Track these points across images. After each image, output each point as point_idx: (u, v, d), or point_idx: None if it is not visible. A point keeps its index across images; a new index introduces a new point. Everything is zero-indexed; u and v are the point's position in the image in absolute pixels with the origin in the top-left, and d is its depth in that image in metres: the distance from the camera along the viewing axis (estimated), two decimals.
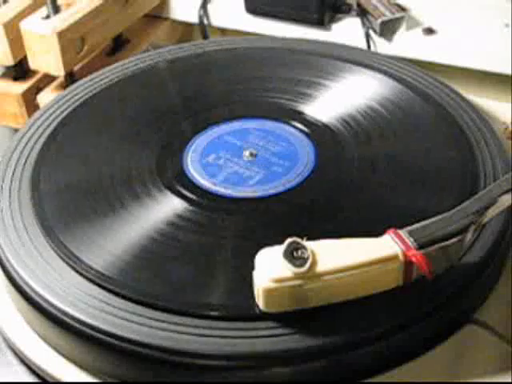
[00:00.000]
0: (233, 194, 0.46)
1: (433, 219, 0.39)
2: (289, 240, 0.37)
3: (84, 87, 0.57)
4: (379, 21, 0.68)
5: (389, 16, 0.69)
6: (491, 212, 0.39)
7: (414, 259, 0.37)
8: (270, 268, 0.36)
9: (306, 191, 0.46)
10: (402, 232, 0.38)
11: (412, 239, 0.37)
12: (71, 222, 0.45)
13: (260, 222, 0.44)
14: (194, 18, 0.76)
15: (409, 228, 0.38)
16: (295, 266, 0.36)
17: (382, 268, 0.37)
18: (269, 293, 0.36)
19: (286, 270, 0.36)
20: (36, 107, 0.65)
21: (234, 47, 0.61)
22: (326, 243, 0.38)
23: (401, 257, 0.37)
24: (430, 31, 0.69)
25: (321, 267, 0.36)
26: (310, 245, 0.37)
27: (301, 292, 0.36)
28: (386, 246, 0.38)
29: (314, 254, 0.36)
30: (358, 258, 0.37)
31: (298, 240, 0.37)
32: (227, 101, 0.55)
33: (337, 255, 0.37)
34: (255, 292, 0.37)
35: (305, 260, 0.36)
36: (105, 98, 0.56)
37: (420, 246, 0.37)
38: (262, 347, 0.37)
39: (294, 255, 0.36)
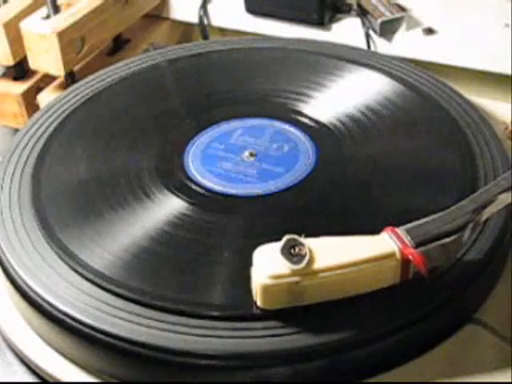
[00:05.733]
0: (233, 193, 0.46)
1: (430, 217, 0.38)
2: (287, 237, 0.37)
3: (84, 87, 0.57)
4: (379, 21, 0.68)
5: (389, 16, 0.69)
6: (489, 210, 0.39)
7: (410, 257, 0.37)
8: (268, 265, 0.36)
9: (305, 190, 0.46)
10: (400, 230, 0.38)
11: (409, 237, 0.37)
12: (71, 222, 0.45)
13: (260, 221, 0.44)
14: (194, 18, 0.76)
15: (406, 226, 0.38)
16: (293, 262, 0.36)
17: (379, 266, 0.37)
18: (266, 289, 0.37)
19: (284, 266, 0.36)
20: (36, 107, 0.65)
21: (234, 47, 0.61)
22: (323, 240, 0.38)
23: (398, 255, 0.37)
24: (429, 31, 0.69)
25: (318, 264, 0.36)
26: (308, 242, 0.37)
27: (298, 289, 0.36)
28: (384, 243, 0.38)
29: (311, 251, 0.36)
30: (356, 255, 0.37)
31: (296, 237, 0.37)
32: (227, 101, 0.55)
33: (334, 252, 0.37)
34: (253, 289, 0.37)
35: (302, 257, 0.36)
36: (105, 98, 0.56)
37: (417, 244, 0.37)
38: (261, 347, 0.37)
39: (291, 252, 0.36)
